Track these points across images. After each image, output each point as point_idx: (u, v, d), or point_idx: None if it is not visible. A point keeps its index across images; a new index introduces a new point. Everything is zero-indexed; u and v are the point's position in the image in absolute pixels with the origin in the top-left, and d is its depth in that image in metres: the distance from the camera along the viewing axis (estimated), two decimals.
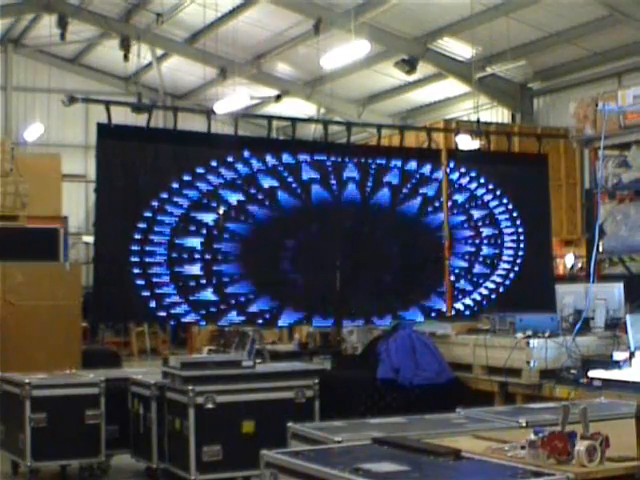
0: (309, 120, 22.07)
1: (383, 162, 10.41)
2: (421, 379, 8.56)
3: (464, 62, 18.94)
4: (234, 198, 9.55)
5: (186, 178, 9.28)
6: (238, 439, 7.72)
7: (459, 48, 18.86)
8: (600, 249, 9.39)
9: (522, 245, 11.23)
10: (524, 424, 4.92)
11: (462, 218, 10.99)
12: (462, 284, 10.90)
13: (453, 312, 10.73)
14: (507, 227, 11.17)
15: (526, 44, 17.75)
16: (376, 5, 17.60)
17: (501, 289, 11.11)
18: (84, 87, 25.06)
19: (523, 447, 3.95)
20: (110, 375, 8.87)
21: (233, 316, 9.47)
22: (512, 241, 11.20)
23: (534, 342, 7.90)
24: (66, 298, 11.87)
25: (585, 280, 10.14)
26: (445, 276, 10.81)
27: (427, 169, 10.67)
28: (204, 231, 9.35)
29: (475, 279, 10.97)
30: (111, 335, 21.12)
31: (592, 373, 7.37)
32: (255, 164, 9.69)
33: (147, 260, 9.00)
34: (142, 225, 9.03)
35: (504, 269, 11.14)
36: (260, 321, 9.71)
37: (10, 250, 11.79)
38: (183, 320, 9.49)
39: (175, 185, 9.23)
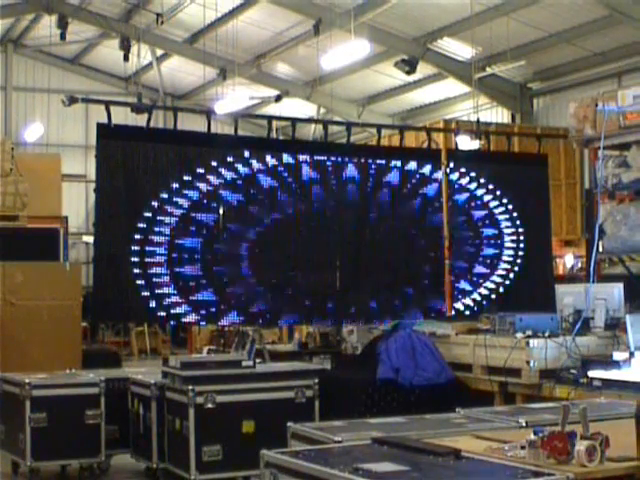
0: (309, 120, 22.16)
1: (383, 162, 10.40)
2: (421, 379, 8.56)
3: (464, 62, 18.96)
4: (234, 198, 9.55)
5: (186, 178, 9.28)
6: (238, 439, 7.72)
7: (459, 48, 18.87)
8: (600, 249, 9.38)
9: (522, 245, 11.22)
10: (524, 424, 4.92)
11: (462, 218, 10.98)
12: (462, 284, 10.89)
13: (453, 312, 10.71)
14: (507, 227, 11.16)
15: (526, 44, 17.77)
16: (376, 5, 17.61)
17: (501, 289, 11.10)
18: (84, 87, 25.10)
19: (523, 447, 3.96)
20: (110, 375, 8.88)
21: (233, 316, 9.47)
22: (512, 241, 11.19)
23: (534, 342, 7.90)
24: (66, 298, 11.88)
25: (585, 280, 10.14)
26: (445, 276, 10.81)
27: (427, 169, 10.66)
28: (204, 231, 9.34)
29: (475, 279, 10.96)
30: (111, 335, 21.14)
31: (592, 373, 7.37)
32: (255, 164, 9.68)
33: (147, 260, 8.99)
34: (142, 225, 9.02)
35: (504, 269, 11.13)
36: (260, 321, 9.71)
37: (10, 250, 11.80)
38: (183, 320, 9.48)
39: (175, 185, 9.21)
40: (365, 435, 4.61)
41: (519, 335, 8.16)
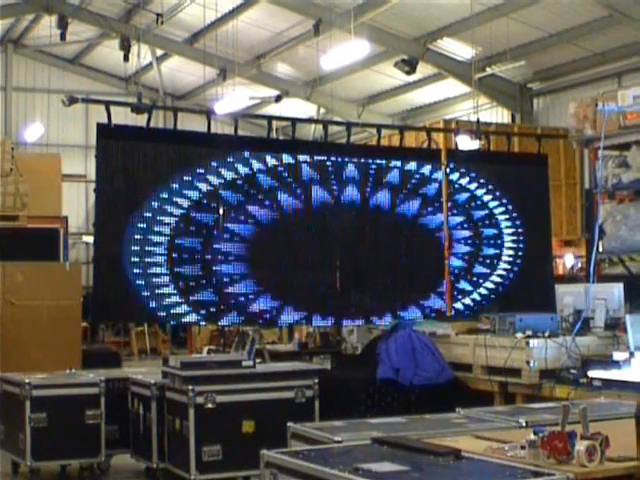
0: (309, 120, 22.14)
1: (383, 162, 10.40)
2: (421, 379, 8.56)
3: (464, 62, 18.95)
4: (234, 198, 9.55)
5: (186, 178, 9.28)
6: (238, 439, 7.72)
7: (459, 48, 18.87)
8: (600, 249, 9.39)
9: (522, 245, 11.22)
10: (524, 424, 4.92)
11: (462, 218, 10.98)
12: (462, 284, 10.89)
13: (453, 312, 10.71)
14: (507, 227, 11.16)
15: (526, 44, 17.76)
16: (376, 5, 17.60)
17: (501, 289, 11.10)
18: (84, 87, 25.09)
19: (523, 447, 3.96)
20: (110, 375, 8.89)
21: (233, 316, 9.47)
22: (512, 241, 11.18)
23: (534, 342, 7.91)
24: (66, 298, 11.89)
25: (585, 280, 10.14)
26: (445, 276, 10.81)
27: (427, 169, 10.66)
28: (204, 231, 9.34)
29: (475, 279, 10.96)
30: (111, 335, 21.15)
31: (592, 373, 7.37)
32: (255, 164, 9.68)
33: (147, 260, 9.00)
34: (142, 225, 9.03)
35: (504, 269, 11.12)
36: (260, 321, 9.70)
37: (10, 250, 11.82)
38: (183, 320, 9.48)
39: (175, 185, 9.22)
40: (365, 435, 4.61)
41: (519, 335, 8.16)
